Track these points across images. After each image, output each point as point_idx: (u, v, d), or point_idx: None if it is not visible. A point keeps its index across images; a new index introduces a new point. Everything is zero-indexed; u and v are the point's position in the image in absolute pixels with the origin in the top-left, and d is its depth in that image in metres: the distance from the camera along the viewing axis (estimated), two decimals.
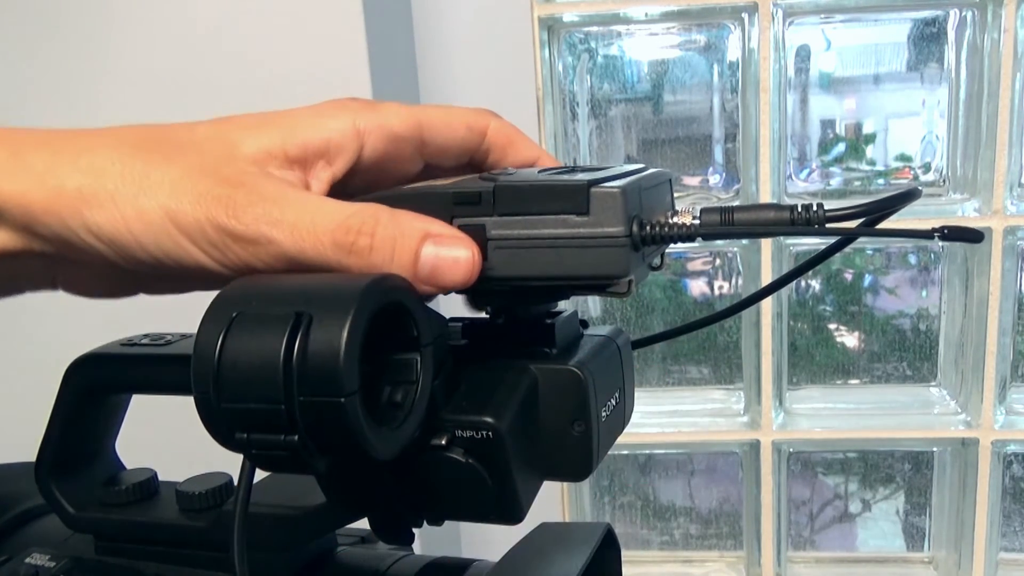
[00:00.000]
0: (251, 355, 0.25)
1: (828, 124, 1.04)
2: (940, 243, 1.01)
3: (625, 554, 0.40)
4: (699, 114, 1.03)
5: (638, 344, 0.39)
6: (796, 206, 0.30)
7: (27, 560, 0.41)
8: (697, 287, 1.10)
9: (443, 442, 0.30)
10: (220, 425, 0.26)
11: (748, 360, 1.03)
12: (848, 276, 1.08)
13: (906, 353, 1.07)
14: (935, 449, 1.07)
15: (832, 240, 0.35)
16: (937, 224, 0.30)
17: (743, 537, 1.11)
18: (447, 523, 0.32)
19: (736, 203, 1.00)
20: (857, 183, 1.04)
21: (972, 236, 0.30)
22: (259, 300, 0.26)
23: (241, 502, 0.27)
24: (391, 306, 0.27)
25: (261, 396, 0.25)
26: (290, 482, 0.38)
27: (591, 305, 1.07)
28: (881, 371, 1.09)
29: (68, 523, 0.42)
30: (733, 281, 1.06)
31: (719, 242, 1.02)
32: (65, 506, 0.41)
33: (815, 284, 1.08)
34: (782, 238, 0.98)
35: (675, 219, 0.31)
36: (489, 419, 0.29)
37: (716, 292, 1.09)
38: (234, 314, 0.25)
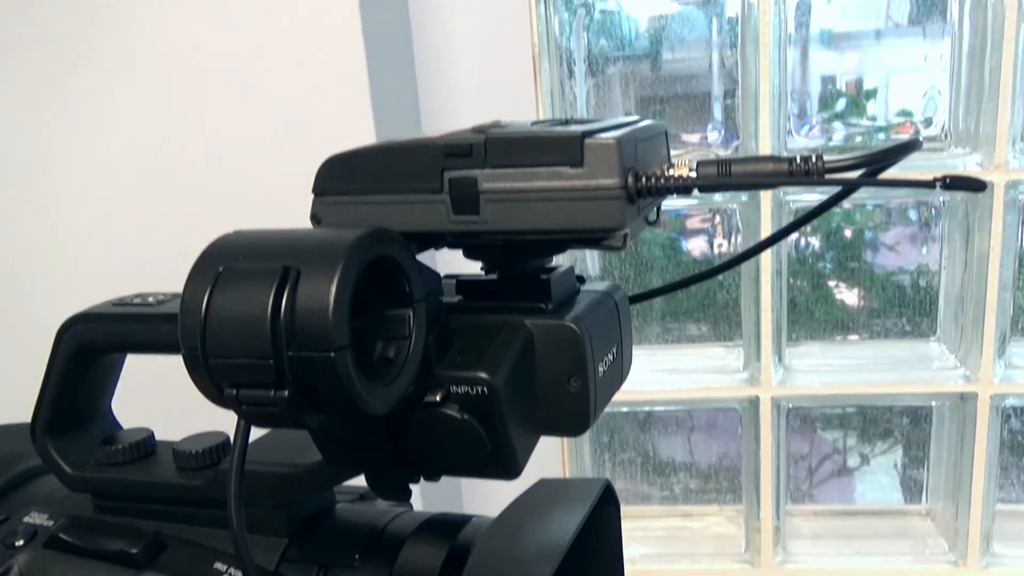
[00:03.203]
0: (238, 310, 0.24)
1: (828, 79, 1.03)
2: (942, 194, 1.00)
3: (625, 509, 0.40)
4: (698, 70, 1.02)
5: (636, 299, 0.39)
6: (795, 157, 0.30)
7: (26, 519, 0.41)
8: (696, 245, 1.10)
9: (437, 398, 0.30)
10: (209, 381, 0.25)
11: (747, 317, 1.03)
12: (848, 232, 1.08)
13: (906, 308, 1.07)
14: (934, 403, 1.07)
15: (832, 192, 0.34)
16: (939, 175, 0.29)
17: (742, 491, 1.12)
18: (448, 479, 0.32)
19: None
20: (858, 138, 1.02)
21: (975, 185, 0.30)
22: (245, 255, 0.25)
23: (237, 460, 0.27)
24: (382, 260, 0.26)
25: (249, 351, 0.24)
26: (287, 440, 0.38)
27: (589, 264, 1.06)
28: (880, 327, 1.08)
29: (66, 483, 0.42)
30: (732, 239, 1.06)
31: (718, 198, 1.01)
32: (62, 466, 0.41)
33: (815, 241, 1.07)
34: (781, 194, 0.97)
35: (671, 171, 0.30)
36: (484, 374, 0.29)
37: (715, 250, 1.08)
38: (220, 269, 0.25)
